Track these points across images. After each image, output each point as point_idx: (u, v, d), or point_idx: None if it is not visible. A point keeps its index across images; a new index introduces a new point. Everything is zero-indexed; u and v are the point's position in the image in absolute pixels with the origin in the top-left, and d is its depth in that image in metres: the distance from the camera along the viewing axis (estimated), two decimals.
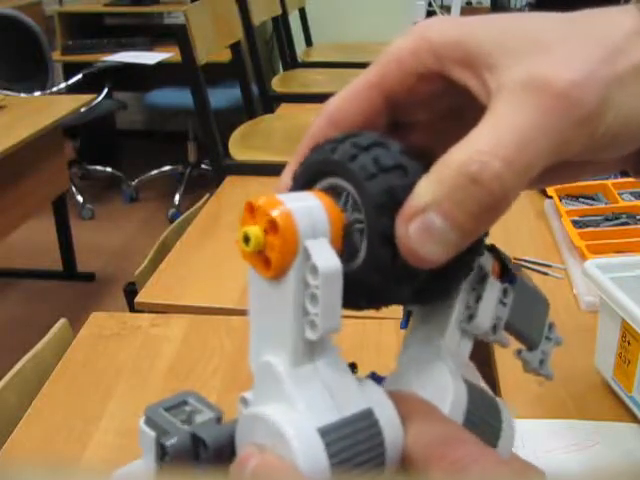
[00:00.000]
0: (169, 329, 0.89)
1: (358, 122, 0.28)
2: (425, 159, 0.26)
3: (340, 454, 0.24)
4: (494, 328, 0.31)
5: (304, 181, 0.27)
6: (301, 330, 0.25)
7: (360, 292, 0.26)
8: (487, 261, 0.31)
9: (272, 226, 0.24)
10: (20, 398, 0.78)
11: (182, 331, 0.89)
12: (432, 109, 0.30)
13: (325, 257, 0.24)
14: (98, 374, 0.81)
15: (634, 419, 0.69)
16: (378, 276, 0.26)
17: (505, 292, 0.31)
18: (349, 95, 0.29)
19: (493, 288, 0.30)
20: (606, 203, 1.13)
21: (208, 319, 0.92)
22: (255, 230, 0.24)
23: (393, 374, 0.30)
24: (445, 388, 0.28)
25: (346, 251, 0.26)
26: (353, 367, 0.28)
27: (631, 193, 1.14)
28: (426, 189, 0.24)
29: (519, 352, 0.33)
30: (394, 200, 0.25)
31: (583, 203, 1.15)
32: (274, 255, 0.24)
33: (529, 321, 0.32)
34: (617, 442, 0.67)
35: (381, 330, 0.84)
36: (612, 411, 0.71)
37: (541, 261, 0.99)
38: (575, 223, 1.05)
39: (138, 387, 0.79)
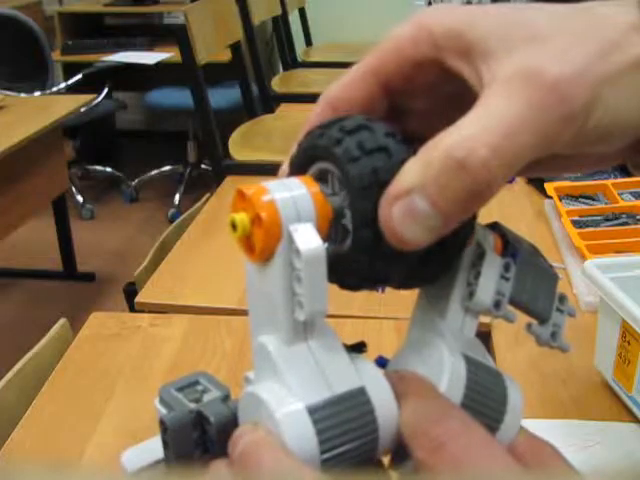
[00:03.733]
0: (169, 329, 0.89)
1: (356, 108, 0.29)
2: (412, 143, 0.26)
3: (328, 431, 0.25)
4: (497, 304, 0.30)
5: (297, 167, 0.29)
6: (290, 311, 0.26)
7: (350, 272, 0.27)
8: (486, 238, 0.31)
9: (256, 213, 0.25)
10: (20, 398, 0.78)
11: (182, 331, 0.89)
12: (431, 97, 0.30)
13: (308, 240, 0.25)
14: (98, 374, 0.81)
15: (634, 419, 0.69)
16: (364, 256, 0.26)
17: (507, 267, 0.31)
18: (347, 82, 0.29)
19: (493, 264, 0.30)
20: (606, 203, 1.13)
21: (208, 319, 0.92)
22: (242, 217, 0.25)
23: (396, 355, 0.31)
24: (442, 366, 0.28)
25: (338, 233, 0.27)
26: (362, 346, 0.29)
27: (631, 193, 1.14)
28: (412, 171, 0.25)
29: (529, 326, 0.32)
30: (377, 182, 0.25)
31: (583, 203, 1.15)
32: (258, 240, 0.25)
33: (536, 294, 0.31)
34: (617, 442, 0.67)
35: (381, 330, 0.83)
36: (612, 411, 0.71)
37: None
38: (575, 223, 1.05)
39: (138, 387, 0.78)
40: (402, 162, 0.25)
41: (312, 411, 0.25)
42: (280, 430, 0.24)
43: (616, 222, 1.06)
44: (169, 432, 0.28)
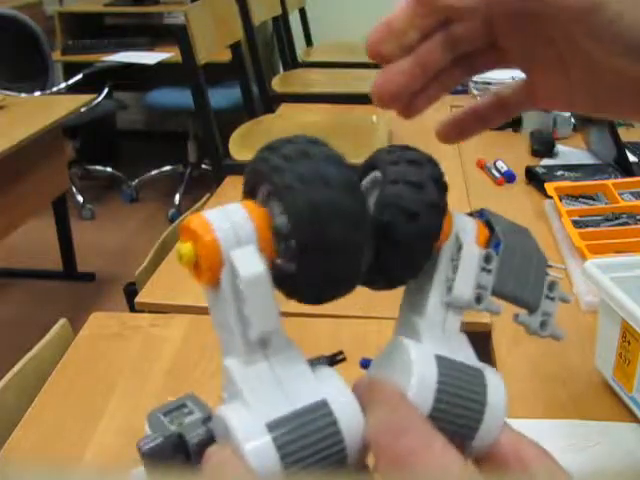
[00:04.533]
0: (169, 329, 0.89)
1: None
2: (354, 168, 0.28)
3: (290, 445, 0.25)
4: (478, 298, 0.30)
5: (248, 187, 0.29)
6: (243, 332, 0.26)
7: (301, 291, 0.28)
8: (466, 228, 0.31)
9: (197, 242, 0.26)
10: (20, 398, 0.78)
11: (182, 331, 0.89)
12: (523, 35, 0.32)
13: (248, 264, 0.26)
14: (98, 374, 0.81)
15: (634, 419, 0.69)
16: (309, 280, 0.27)
17: (488, 259, 0.30)
18: None
19: (471, 257, 0.30)
20: (606, 203, 1.13)
21: (208, 319, 0.90)
22: (186, 247, 0.26)
23: (375, 358, 0.31)
24: (410, 371, 0.27)
25: (288, 250, 0.27)
26: (339, 355, 0.30)
27: (631, 193, 1.14)
28: None
29: (516, 316, 0.32)
30: (315, 213, 0.26)
31: (583, 203, 1.15)
32: (203, 267, 0.26)
33: (523, 283, 0.31)
34: (617, 442, 0.67)
35: (381, 330, 0.83)
36: (612, 411, 0.71)
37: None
38: (575, 223, 1.05)
39: (138, 387, 0.78)
40: (343, 191, 0.26)
41: (272, 428, 0.25)
42: (242, 449, 0.25)
43: (616, 222, 1.06)
44: (145, 460, 0.28)
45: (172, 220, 3.08)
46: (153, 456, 0.28)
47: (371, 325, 0.85)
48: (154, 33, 3.53)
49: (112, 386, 0.78)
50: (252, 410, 0.26)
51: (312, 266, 0.27)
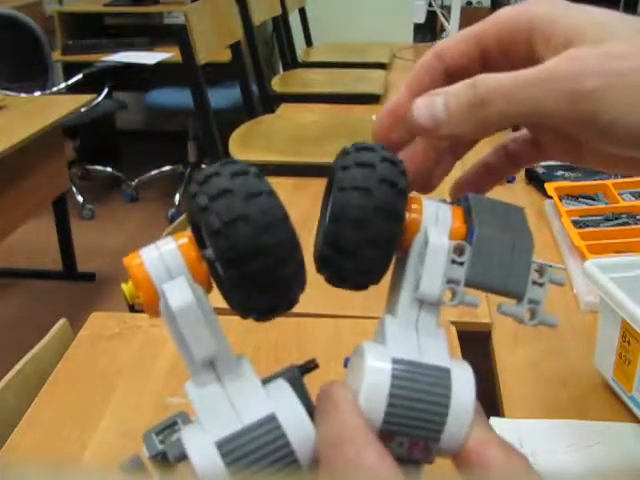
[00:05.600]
0: None
1: (457, 62, 0.34)
2: (273, 197, 0.28)
3: (239, 460, 0.26)
4: (451, 293, 0.29)
5: (191, 220, 0.30)
6: (190, 355, 0.28)
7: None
8: (437, 220, 0.30)
9: (133, 279, 0.28)
10: (20, 398, 0.78)
11: None
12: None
13: (177, 296, 0.27)
14: (98, 374, 0.81)
15: (634, 419, 0.69)
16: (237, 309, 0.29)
17: (459, 250, 0.29)
18: (455, 39, 0.35)
19: (437, 250, 0.29)
20: (606, 203, 1.13)
21: None
22: (127, 286, 0.29)
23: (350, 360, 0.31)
24: (362, 375, 0.27)
25: (221, 279, 0.29)
26: (311, 364, 0.30)
27: (631, 193, 1.14)
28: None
29: (499, 307, 0.30)
30: (236, 252, 0.27)
31: (583, 203, 1.15)
32: (142, 302, 0.28)
33: (503, 271, 0.29)
34: (617, 442, 0.67)
35: None
36: (612, 411, 0.71)
37: (541, 261, 0.99)
38: (575, 223, 1.05)
39: (138, 387, 0.78)
40: (262, 228, 0.27)
41: (221, 445, 0.26)
42: (196, 467, 0.26)
43: (616, 222, 1.06)
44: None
45: (172, 220, 3.08)
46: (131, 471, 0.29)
47: (371, 325, 0.85)
48: (154, 33, 3.54)
49: (112, 386, 0.78)
50: (206, 430, 0.27)
51: (243, 298, 0.28)
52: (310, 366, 0.30)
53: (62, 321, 0.91)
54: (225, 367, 0.28)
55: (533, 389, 0.75)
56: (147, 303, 0.28)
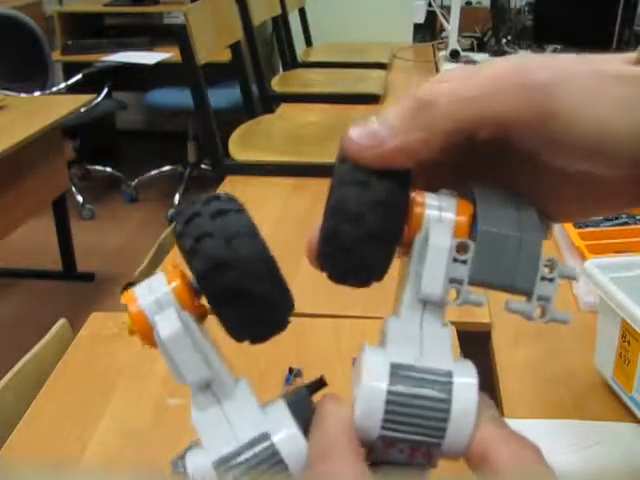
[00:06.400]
0: None
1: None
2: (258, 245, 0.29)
3: (236, 478, 0.27)
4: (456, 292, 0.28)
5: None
6: (184, 381, 0.29)
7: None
8: (440, 216, 0.29)
9: (129, 314, 0.30)
10: (20, 398, 0.78)
11: None
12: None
13: (166, 326, 0.29)
14: (98, 374, 0.81)
15: (634, 419, 0.69)
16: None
17: (462, 248, 0.28)
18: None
19: (438, 249, 0.27)
20: None
21: (207, 319, 0.91)
22: (128, 321, 0.31)
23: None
24: (360, 381, 0.27)
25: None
26: (321, 382, 0.31)
27: None
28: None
29: (507, 305, 0.28)
30: (224, 297, 0.28)
31: None
32: (140, 335, 0.30)
33: (510, 269, 0.28)
34: (617, 442, 0.67)
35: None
36: (612, 411, 0.71)
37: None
38: (575, 223, 1.05)
39: (138, 387, 0.78)
40: (246, 273, 0.28)
41: (217, 465, 0.27)
42: None
43: (616, 222, 1.06)
44: None
45: (172, 220, 3.08)
46: None
47: (371, 325, 0.85)
48: (154, 33, 3.53)
49: (112, 386, 0.78)
50: (206, 452, 0.28)
51: (227, 319, 0.29)
52: (318, 385, 0.31)
53: (62, 321, 0.91)
54: (222, 390, 0.29)
55: (533, 389, 0.75)
56: (143, 336, 0.30)
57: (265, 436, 0.28)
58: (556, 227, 1.09)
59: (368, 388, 0.27)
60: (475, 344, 0.83)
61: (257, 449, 0.27)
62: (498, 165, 0.31)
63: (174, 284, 0.30)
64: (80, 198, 3.25)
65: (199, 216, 0.29)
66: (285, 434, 0.28)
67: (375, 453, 0.27)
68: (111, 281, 2.62)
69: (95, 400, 0.76)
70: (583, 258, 0.95)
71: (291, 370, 0.77)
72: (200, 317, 0.31)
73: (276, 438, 0.28)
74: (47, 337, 0.87)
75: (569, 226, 1.03)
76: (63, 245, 2.59)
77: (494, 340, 0.83)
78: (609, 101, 0.27)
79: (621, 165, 0.28)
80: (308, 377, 0.31)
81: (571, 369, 0.78)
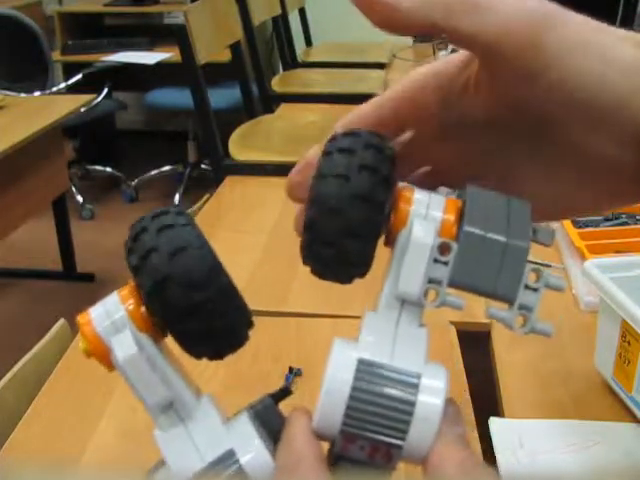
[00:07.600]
0: None
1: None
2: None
3: None
4: (434, 293, 0.27)
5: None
6: (144, 402, 0.29)
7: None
8: (427, 214, 0.28)
9: (84, 337, 0.30)
10: (20, 398, 0.78)
11: None
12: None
13: (122, 349, 0.29)
14: (98, 374, 0.80)
15: (634, 419, 0.69)
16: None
17: (443, 248, 0.27)
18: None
19: (419, 247, 0.27)
20: None
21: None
22: (84, 342, 0.30)
23: None
24: (324, 374, 0.26)
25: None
26: (285, 392, 0.31)
27: None
28: None
29: (487, 311, 0.27)
30: (170, 314, 0.28)
31: None
32: (96, 357, 0.30)
33: (492, 273, 0.27)
34: (617, 442, 0.67)
35: None
36: (612, 411, 0.71)
37: (540, 261, 0.99)
38: (575, 223, 1.05)
39: None
40: (192, 286, 0.27)
41: None
42: None
43: (616, 222, 1.06)
44: None
45: None
46: None
47: None
48: (154, 33, 3.53)
49: (112, 386, 0.78)
50: (172, 472, 0.28)
51: (188, 349, 0.29)
52: (282, 394, 0.31)
53: (61, 321, 0.91)
54: (184, 409, 0.29)
55: (533, 389, 0.75)
56: (100, 358, 0.30)
57: (229, 454, 0.28)
58: (556, 227, 1.09)
59: (332, 381, 0.26)
60: (475, 344, 0.83)
61: (222, 466, 0.28)
62: (500, 150, 0.31)
63: (129, 304, 0.30)
64: (80, 198, 3.25)
65: (146, 232, 0.29)
66: (250, 450, 0.28)
67: (335, 447, 0.27)
68: (111, 281, 2.62)
69: (95, 400, 0.76)
70: (583, 258, 0.95)
71: (291, 369, 0.77)
72: (158, 335, 0.30)
73: (241, 454, 0.28)
74: (47, 337, 0.87)
75: (569, 226, 1.03)
76: (63, 245, 2.59)
77: (494, 340, 0.83)
78: (612, 61, 0.25)
79: (626, 142, 0.26)
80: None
81: (571, 369, 0.78)
